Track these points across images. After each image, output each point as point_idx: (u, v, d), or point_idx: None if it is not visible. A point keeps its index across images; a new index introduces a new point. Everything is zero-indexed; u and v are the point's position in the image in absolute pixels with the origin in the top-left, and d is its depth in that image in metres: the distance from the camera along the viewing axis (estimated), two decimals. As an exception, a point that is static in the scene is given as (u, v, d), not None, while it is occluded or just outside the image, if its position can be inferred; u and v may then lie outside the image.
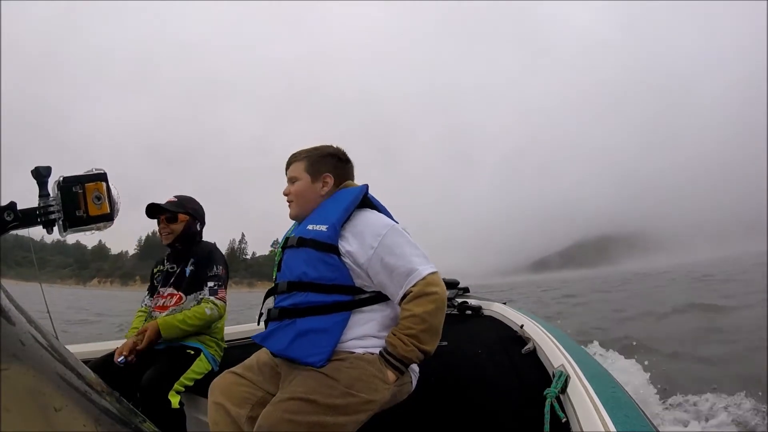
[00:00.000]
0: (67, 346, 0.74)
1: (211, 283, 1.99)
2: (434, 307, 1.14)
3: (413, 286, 1.15)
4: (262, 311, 1.29)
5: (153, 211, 2.07)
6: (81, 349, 2.08)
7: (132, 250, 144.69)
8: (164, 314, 1.98)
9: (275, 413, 1.04)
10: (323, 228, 1.23)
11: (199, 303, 1.98)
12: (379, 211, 1.34)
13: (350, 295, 1.20)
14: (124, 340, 1.97)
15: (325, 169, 1.37)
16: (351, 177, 1.43)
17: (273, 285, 1.30)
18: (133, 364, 1.84)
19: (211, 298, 1.95)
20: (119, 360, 1.83)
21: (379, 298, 1.24)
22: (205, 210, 2.24)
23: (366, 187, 1.34)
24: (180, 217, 2.08)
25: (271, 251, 1.30)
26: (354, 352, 1.16)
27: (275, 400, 1.08)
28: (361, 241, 1.21)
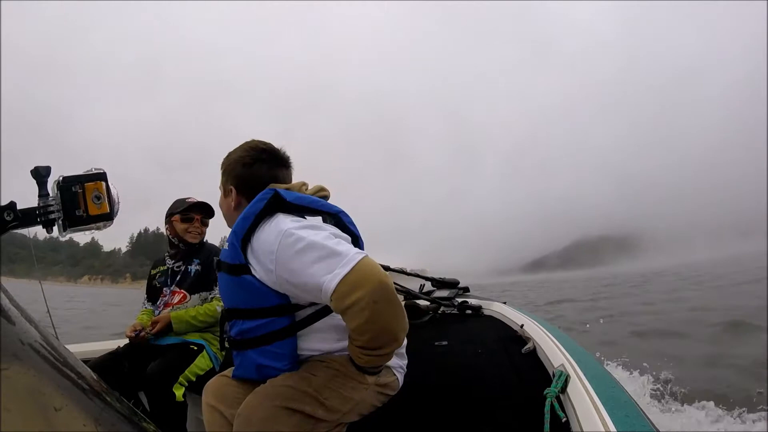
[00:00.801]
0: (67, 346, 0.74)
1: None
2: (366, 316, 0.94)
3: (330, 303, 0.98)
4: (224, 336, 1.23)
5: (201, 209, 2.14)
6: (81, 349, 2.10)
7: (124, 248, 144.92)
8: (170, 311, 2.03)
9: (255, 399, 1.04)
10: (226, 246, 1.13)
11: (205, 302, 2.06)
12: (300, 209, 1.14)
13: (288, 314, 1.10)
14: (125, 341, 2.00)
15: (230, 180, 1.24)
16: (278, 179, 1.23)
17: None
18: (136, 360, 1.87)
19: None
20: (132, 333, 1.93)
21: (325, 309, 1.11)
22: None
23: (271, 190, 1.12)
24: (208, 222, 2.19)
25: None
26: (331, 355, 1.14)
27: (257, 390, 1.08)
28: (259, 264, 1.06)
